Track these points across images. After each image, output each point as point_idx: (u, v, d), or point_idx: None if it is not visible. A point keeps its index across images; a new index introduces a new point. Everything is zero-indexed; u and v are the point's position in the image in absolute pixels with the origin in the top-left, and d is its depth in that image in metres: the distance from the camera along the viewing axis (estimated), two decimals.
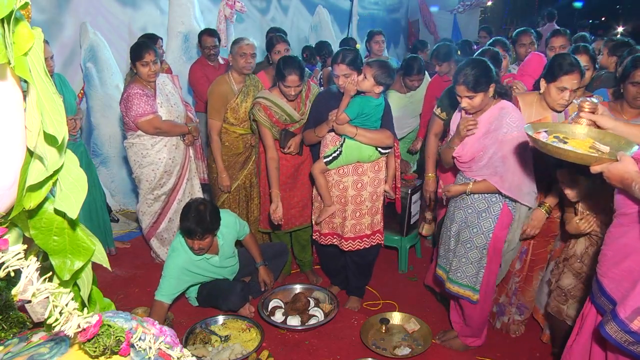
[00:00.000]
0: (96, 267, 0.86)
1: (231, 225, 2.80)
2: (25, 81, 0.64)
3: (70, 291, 0.71)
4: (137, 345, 0.80)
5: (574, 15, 10.73)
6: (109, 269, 0.88)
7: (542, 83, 2.29)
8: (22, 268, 0.65)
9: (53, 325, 0.68)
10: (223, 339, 2.61)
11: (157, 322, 0.89)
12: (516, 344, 2.76)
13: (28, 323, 0.96)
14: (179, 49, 4.73)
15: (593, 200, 2.11)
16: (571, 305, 2.31)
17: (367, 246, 2.83)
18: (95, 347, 0.73)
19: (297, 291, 3.02)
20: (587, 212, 2.15)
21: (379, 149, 2.69)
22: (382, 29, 4.90)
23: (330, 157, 2.67)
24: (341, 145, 2.64)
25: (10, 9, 0.58)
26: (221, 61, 4.34)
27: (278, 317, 2.77)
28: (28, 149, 0.68)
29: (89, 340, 0.72)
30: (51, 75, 2.88)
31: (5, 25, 0.59)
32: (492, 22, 10.73)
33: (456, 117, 2.46)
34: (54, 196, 0.75)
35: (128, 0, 4.53)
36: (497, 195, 2.30)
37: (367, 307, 3.10)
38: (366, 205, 2.77)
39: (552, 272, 2.45)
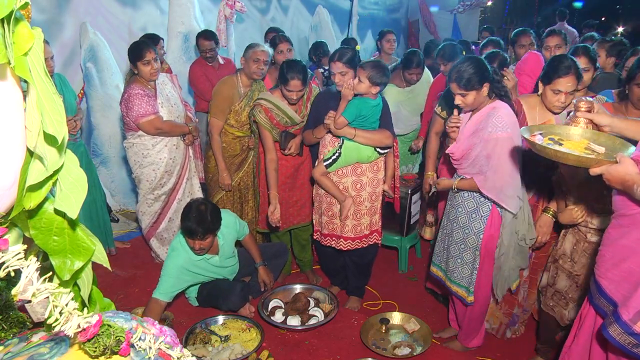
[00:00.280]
0: (96, 267, 0.86)
1: (231, 226, 2.80)
2: (25, 81, 0.64)
3: (70, 291, 0.71)
4: (137, 345, 0.80)
5: (574, 15, 10.73)
6: (109, 269, 0.88)
7: (540, 85, 2.29)
8: (22, 268, 0.65)
9: (53, 325, 0.68)
10: (223, 339, 2.61)
11: (156, 322, 0.89)
12: (516, 344, 2.76)
13: (28, 323, 0.96)
14: (179, 49, 4.73)
15: (583, 191, 2.11)
16: (572, 309, 2.30)
17: (364, 246, 2.84)
18: (95, 347, 0.73)
19: (297, 291, 3.02)
20: (574, 205, 2.16)
21: (378, 149, 2.69)
22: (392, 29, 4.90)
23: (330, 160, 2.67)
24: (340, 147, 2.65)
25: (10, 9, 0.58)
26: (221, 61, 4.34)
27: (278, 317, 2.77)
28: (28, 149, 0.68)
29: (89, 340, 0.72)
30: (51, 76, 2.89)
31: (5, 25, 0.59)
32: (492, 22, 10.72)
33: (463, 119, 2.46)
34: (54, 196, 0.75)
35: (128, 0, 4.53)
36: (484, 196, 2.30)
37: (367, 307, 3.10)
38: (365, 205, 2.77)
39: (546, 272, 2.45)
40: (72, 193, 0.73)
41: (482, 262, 2.40)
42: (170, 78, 3.33)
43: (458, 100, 2.23)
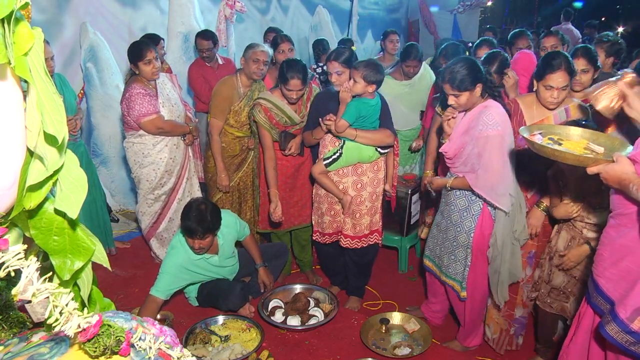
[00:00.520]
0: (96, 267, 0.86)
1: (231, 226, 2.80)
2: (26, 81, 0.64)
3: (70, 291, 0.71)
4: (137, 345, 0.80)
5: (574, 15, 10.73)
6: (109, 269, 0.88)
7: (535, 83, 2.32)
8: (22, 268, 0.65)
9: (53, 325, 0.68)
10: (223, 339, 2.61)
11: (156, 322, 0.89)
12: None
13: (28, 323, 0.96)
14: (179, 49, 4.73)
15: (582, 185, 2.12)
16: (572, 302, 2.31)
17: (364, 245, 2.84)
18: (96, 347, 0.73)
19: (297, 291, 3.02)
20: (570, 200, 2.17)
21: (379, 149, 2.69)
22: (396, 29, 4.91)
23: (330, 159, 2.67)
24: (341, 147, 2.65)
25: (11, 9, 0.58)
26: (220, 61, 4.34)
27: (278, 317, 2.77)
28: (28, 149, 0.68)
29: (89, 340, 0.72)
30: (51, 76, 2.89)
31: (6, 25, 0.59)
32: (492, 22, 10.72)
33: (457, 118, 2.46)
34: (54, 196, 0.75)
35: (128, 0, 4.53)
36: (476, 194, 2.32)
37: (367, 307, 3.10)
38: (366, 205, 2.77)
39: (539, 267, 2.45)
40: (72, 193, 0.73)
41: (475, 260, 2.42)
42: (170, 78, 3.33)
43: (451, 101, 2.26)
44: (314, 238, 3.00)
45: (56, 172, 0.72)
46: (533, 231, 2.43)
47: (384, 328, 2.71)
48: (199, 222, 2.48)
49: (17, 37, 0.61)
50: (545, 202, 2.40)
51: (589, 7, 11.16)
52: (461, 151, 2.30)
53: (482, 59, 2.80)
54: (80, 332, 0.71)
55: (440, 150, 2.42)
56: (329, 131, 2.68)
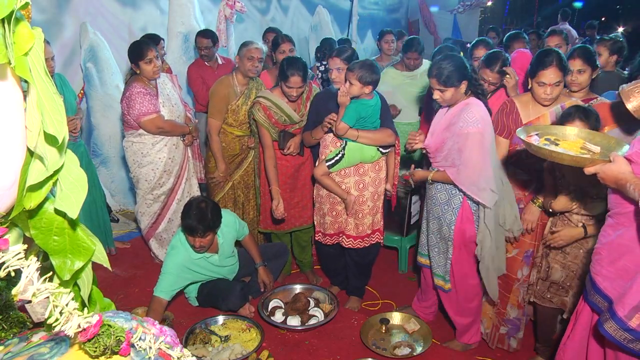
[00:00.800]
0: (96, 267, 0.86)
1: (231, 225, 2.80)
2: (26, 81, 0.64)
3: (71, 291, 0.71)
4: (137, 345, 0.80)
5: (574, 15, 10.73)
6: (109, 269, 0.88)
7: (529, 81, 2.35)
8: (22, 268, 0.65)
9: (53, 325, 0.68)
10: (223, 339, 2.61)
11: (157, 321, 0.90)
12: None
13: (28, 323, 0.96)
14: (179, 49, 4.73)
15: (579, 175, 2.12)
16: (572, 296, 2.32)
17: (366, 245, 2.84)
18: (96, 347, 0.73)
19: (297, 291, 3.02)
20: (569, 194, 2.18)
21: (380, 148, 2.69)
22: (392, 29, 4.92)
23: (333, 161, 2.67)
24: (343, 148, 2.65)
25: (11, 9, 0.58)
26: (220, 61, 4.34)
27: (278, 317, 2.77)
28: (28, 149, 0.68)
29: (89, 340, 0.72)
30: (52, 76, 2.89)
31: (6, 25, 0.59)
32: (492, 22, 10.72)
33: (439, 115, 2.52)
34: (54, 196, 0.75)
35: (128, 0, 4.53)
36: (456, 188, 2.38)
37: (367, 307, 3.10)
38: (368, 205, 2.77)
39: (535, 268, 2.45)
40: (72, 193, 0.73)
41: (457, 253, 2.47)
42: (171, 78, 3.33)
43: (436, 95, 2.32)
44: (316, 238, 3.00)
45: (56, 172, 0.72)
46: (528, 226, 2.44)
47: (384, 328, 2.71)
48: (200, 220, 2.49)
49: (17, 37, 0.61)
50: (542, 198, 2.40)
51: (589, 7, 11.17)
52: (442, 146, 2.37)
53: (481, 58, 2.80)
54: (80, 332, 0.71)
55: (422, 146, 2.50)
56: (331, 131, 2.68)
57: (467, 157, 2.27)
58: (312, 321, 2.74)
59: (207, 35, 4.17)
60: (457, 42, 4.71)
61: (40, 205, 0.74)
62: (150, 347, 0.81)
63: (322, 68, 3.84)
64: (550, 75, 2.23)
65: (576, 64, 2.43)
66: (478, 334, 2.68)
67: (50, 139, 0.68)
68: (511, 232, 2.40)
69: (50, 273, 0.72)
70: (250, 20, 6.02)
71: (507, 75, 2.72)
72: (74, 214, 0.73)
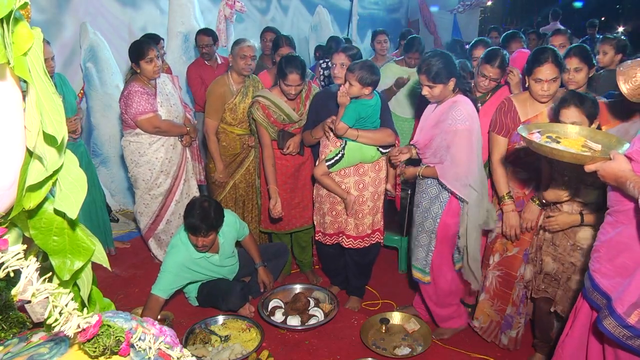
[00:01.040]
0: (96, 267, 0.86)
1: (232, 225, 2.80)
2: (25, 81, 0.64)
3: (70, 291, 0.71)
4: (137, 345, 0.80)
5: (574, 15, 10.73)
6: (109, 269, 0.88)
7: (527, 79, 2.37)
8: (22, 268, 0.65)
9: (53, 325, 0.68)
10: (223, 339, 2.61)
11: (156, 322, 0.89)
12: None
13: (28, 323, 0.96)
14: (179, 49, 4.73)
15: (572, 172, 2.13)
16: (562, 290, 2.33)
17: (366, 245, 2.84)
18: (95, 347, 0.73)
19: (297, 291, 3.02)
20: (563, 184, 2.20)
21: (380, 148, 2.69)
22: (384, 29, 4.92)
23: (333, 161, 2.67)
24: (343, 148, 2.65)
25: (10, 9, 0.58)
26: (220, 61, 4.34)
27: (278, 317, 2.77)
28: (28, 149, 0.68)
29: (88, 341, 0.72)
30: (51, 76, 2.89)
31: (5, 25, 0.59)
32: (492, 22, 10.73)
33: (427, 111, 2.55)
34: (53, 196, 0.75)
35: (128, 0, 4.53)
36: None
37: (367, 307, 3.10)
38: (368, 205, 2.77)
39: (529, 264, 2.46)
40: (71, 193, 0.73)
41: (439, 246, 2.53)
42: (171, 79, 3.33)
43: (425, 91, 2.37)
44: (316, 238, 3.00)
45: (56, 172, 0.72)
46: (528, 225, 2.45)
47: (384, 328, 2.71)
48: (203, 219, 2.49)
49: (17, 37, 0.61)
50: (541, 197, 2.41)
51: (589, 7, 11.17)
52: (430, 142, 2.43)
53: (481, 55, 2.80)
54: (80, 332, 0.71)
55: (411, 143, 2.56)
56: (331, 130, 2.68)
57: (454, 153, 2.34)
58: (312, 321, 2.74)
59: (208, 33, 4.18)
60: (456, 42, 4.72)
61: (39, 206, 0.74)
62: (150, 347, 0.81)
63: (324, 65, 3.83)
64: (546, 71, 2.25)
65: (573, 63, 2.44)
66: (464, 319, 2.76)
67: (50, 139, 0.67)
68: (486, 225, 2.46)
69: (50, 273, 0.72)
70: (250, 20, 6.02)
71: (511, 73, 2.74)
72: (73, 214, 0.73)
